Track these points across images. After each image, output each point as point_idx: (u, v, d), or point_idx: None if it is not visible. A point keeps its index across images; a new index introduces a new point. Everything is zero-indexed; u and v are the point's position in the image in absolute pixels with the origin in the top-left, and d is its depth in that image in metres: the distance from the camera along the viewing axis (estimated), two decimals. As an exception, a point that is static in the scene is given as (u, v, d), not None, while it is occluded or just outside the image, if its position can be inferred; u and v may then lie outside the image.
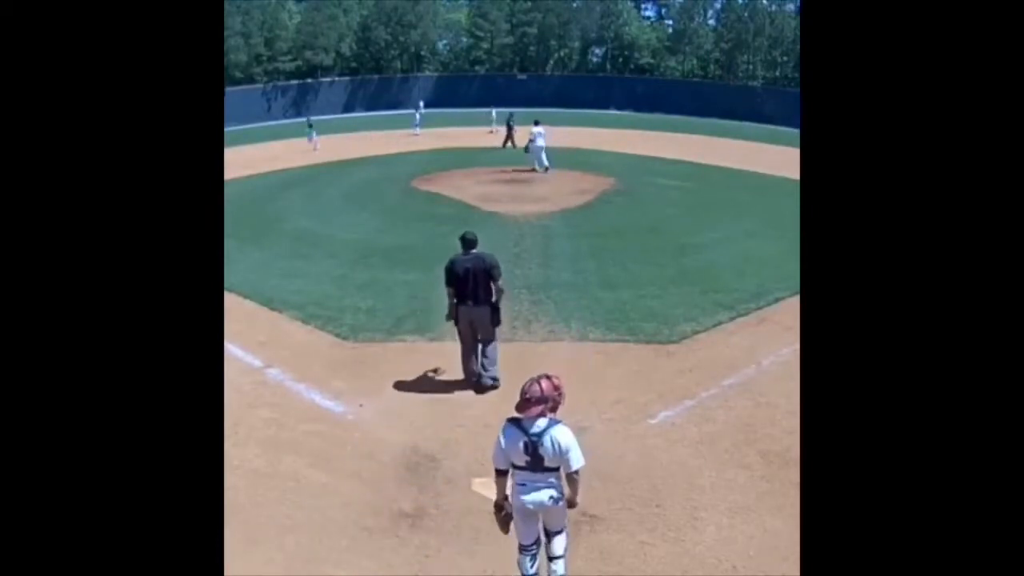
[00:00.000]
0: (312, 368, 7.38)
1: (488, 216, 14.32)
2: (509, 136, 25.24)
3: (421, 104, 34.61)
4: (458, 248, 6.90)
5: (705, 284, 10.09)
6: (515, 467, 3.77)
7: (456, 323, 6.92)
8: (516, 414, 3.74)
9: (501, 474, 3.84)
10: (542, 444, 3.66)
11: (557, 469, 3.76)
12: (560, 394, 3.79)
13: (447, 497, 5.25)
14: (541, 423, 3.69)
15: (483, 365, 6.96)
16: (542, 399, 3.68)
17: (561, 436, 3.69)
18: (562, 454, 3.69)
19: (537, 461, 3.70)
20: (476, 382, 6.96)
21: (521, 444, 3.68)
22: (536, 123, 20.54)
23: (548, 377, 3.77)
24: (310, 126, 27.88)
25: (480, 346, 6.96)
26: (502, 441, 3.75)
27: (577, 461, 3.73)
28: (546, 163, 19.73)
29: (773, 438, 5.97)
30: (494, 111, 31.06)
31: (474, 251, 6.84)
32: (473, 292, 6.79)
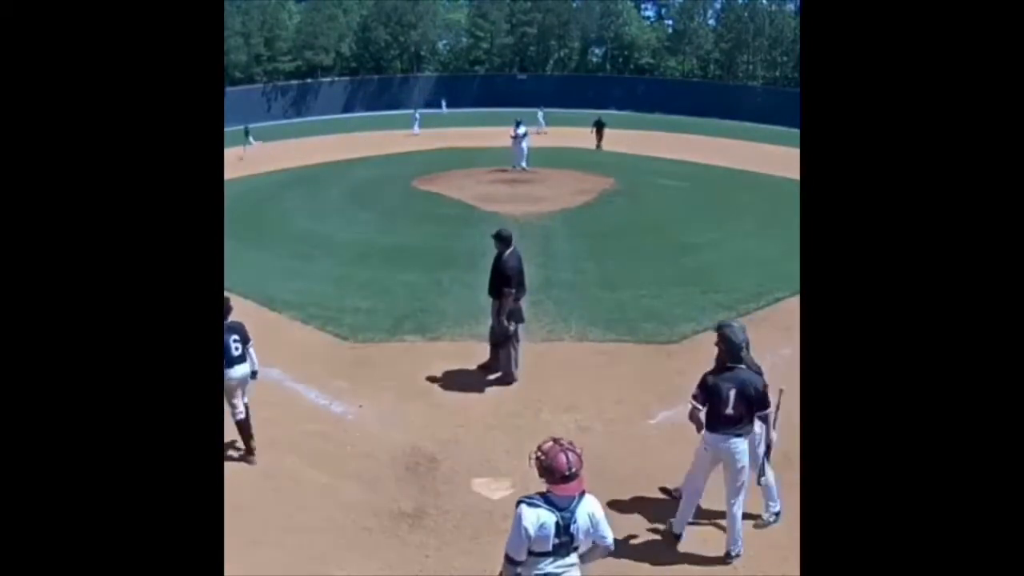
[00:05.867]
0: (312, 368, 7.38)
1: (488, 216, 14.32)
2: (599, 138, 25.91)
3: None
4: (481, 248, 7.03)
5: (705, 284, 10.10)
6: (533, 554, 3.17)
7: (517, 320, 7.02)
8: (540, 493, 3.18)
9: (516, 564, 3.19)
10: (575, 522, 3.14)
11: (577, 548, 3.25)
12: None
13: (447, 497, 5.25)
14: (573, 500, 3.16)
15: (516, 361, 7.10)
16: (581, 469, 3.14)
17: (594, 508, 3.21)
18: (594, 529, 3.21)
19: (566, 543, 3.16)
20: (511, 378, 7.08)
21: (552, 525, 3.11)
22: (518, 123, 21.08)
23: (563, 442, 3.18)
24: (246, 133, 26.43)
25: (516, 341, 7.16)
26: (528, 527, 3.10)
27: (610, 535, 3.27)
28: (523, 163, 20.25)
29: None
30: (541, 112, 30.90)
31: (512, 247, 7.01)
32: (520, 287, 7.02)
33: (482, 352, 7.40)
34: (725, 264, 11.24)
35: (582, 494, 3.18)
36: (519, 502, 3.20)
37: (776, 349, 7.82)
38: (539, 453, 3.16)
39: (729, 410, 4.38)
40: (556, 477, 3.10)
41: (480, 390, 6.94)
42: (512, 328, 6.94)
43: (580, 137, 26.45)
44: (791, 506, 4.92)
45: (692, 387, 7.01)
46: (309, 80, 45.93)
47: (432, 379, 7.14)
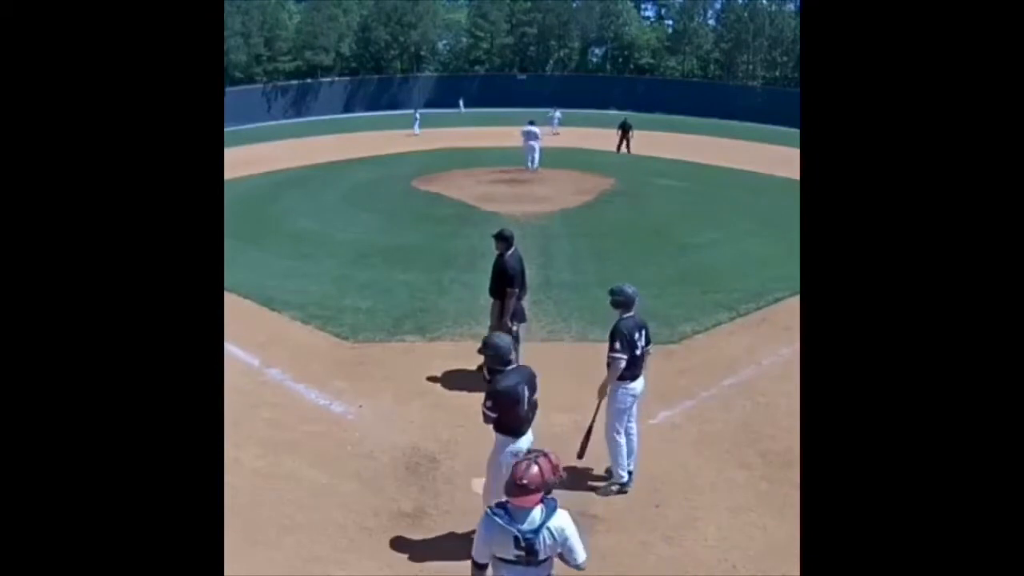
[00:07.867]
0: (312, 368, 7.38)
1: (488, 216, 14.31)
2: (625, 140, 25.44)
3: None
4: (481, 248, 7.01)
5: (705, 284, 10.09)
6: (500, 560, 3.10)
7: (519, 320, 7.01)
8: (503, 501, 3.11)
9: (481, 568, 3.17)
10: (538, 539, 3.03)
11: (549, 559, 3.14)
12: (559, 476, 3.09)
13: (447, 497, 5.25)
14: (536, 514, 3.04)
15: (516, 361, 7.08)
16: (542, 486, 3.02)
17: (561, 525, 3.08)
18: (561, 545, 3.10)
19: (531, 556, 3.06)
20: None
21: (511, 539, 3.03)
22: (531, 123, 20.94)
23: (546, 455, 3.08)
24: None
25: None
26: (486, 535, 3.08)
27: (581, 553, 3.15)
28: (537, 163, 20.10)
29: (773, 438, 5.97)
30: (556, 112, 30.94)
31: (513, 247, 6.98)
32: (522, 287, 6.97)
33: (482, 352, 7.40)
34: (725, 264, 11.23)
35: (551, 510, 3.07)
36: (487, 507, 3.17)
37: (776, 349, 7.84)
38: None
39: (525, 406, 4.42)
40: (511, 485, 3.03)
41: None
42: (515, 328, 6.94)
43: (587, 138, 26.21)
44: (791, 505, 4.92)
45: (693, 387, 7.10)
46: (309, 80, 45.89)
47: (432, 379, 7.13)
